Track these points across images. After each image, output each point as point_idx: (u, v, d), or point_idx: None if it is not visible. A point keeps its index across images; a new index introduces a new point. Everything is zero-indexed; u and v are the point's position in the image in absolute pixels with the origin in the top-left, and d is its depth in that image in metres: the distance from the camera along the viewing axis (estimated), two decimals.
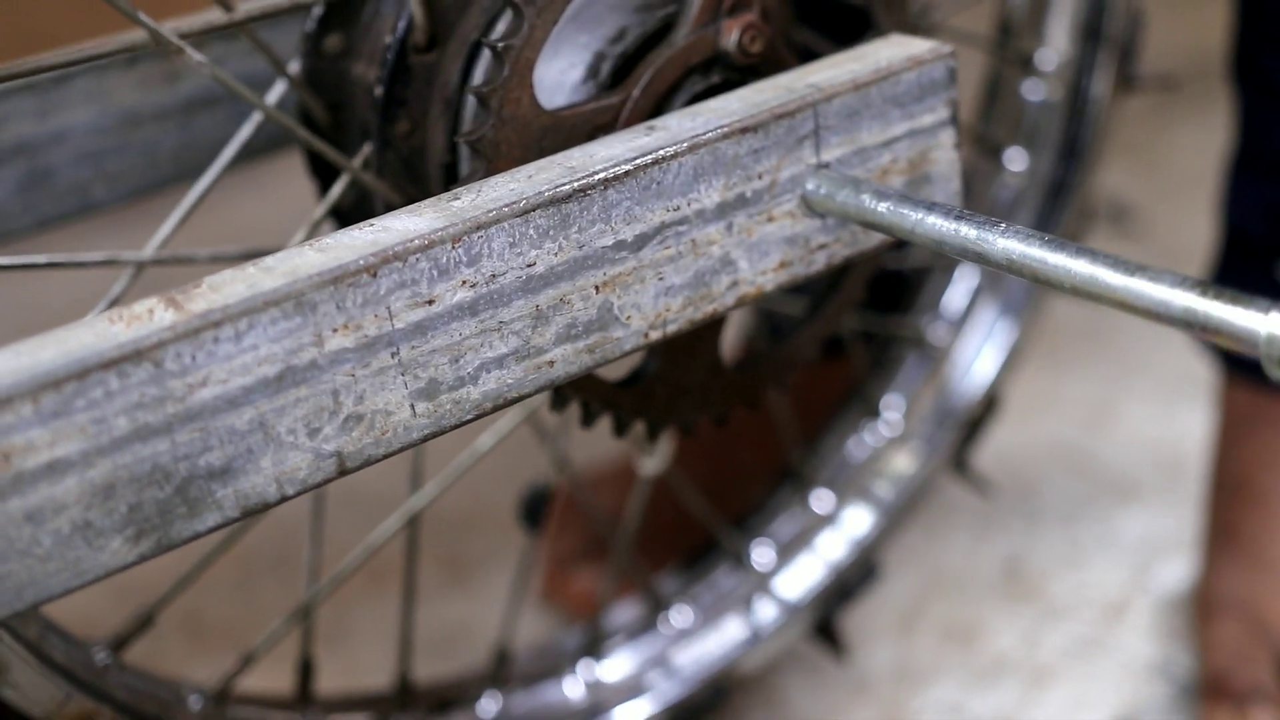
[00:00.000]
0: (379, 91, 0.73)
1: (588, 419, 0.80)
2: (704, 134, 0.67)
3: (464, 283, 0.63)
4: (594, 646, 0.98)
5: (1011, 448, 1.31)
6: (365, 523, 1.25)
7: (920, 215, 0.65)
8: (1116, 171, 1.74)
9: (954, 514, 1.26)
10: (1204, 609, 1.12)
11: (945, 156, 0.72)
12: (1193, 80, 1.73)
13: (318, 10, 0.76)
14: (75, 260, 0.72)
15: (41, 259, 0.71)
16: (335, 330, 0.60)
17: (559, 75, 0.74)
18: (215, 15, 0.72)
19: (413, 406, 0.63)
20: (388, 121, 0.74)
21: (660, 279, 0.67)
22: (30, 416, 0.55)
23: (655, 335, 0.68)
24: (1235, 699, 1.05)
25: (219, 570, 0.81)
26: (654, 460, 0.93)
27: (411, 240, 0.61)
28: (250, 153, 0.82)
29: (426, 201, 0.64)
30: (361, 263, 0.60)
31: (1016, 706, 1.10)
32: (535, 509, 0.96)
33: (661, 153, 0.66)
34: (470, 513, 1.28)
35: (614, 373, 0.72)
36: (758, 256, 0.70)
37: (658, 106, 0.74)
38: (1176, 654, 1.14)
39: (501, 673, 0.95)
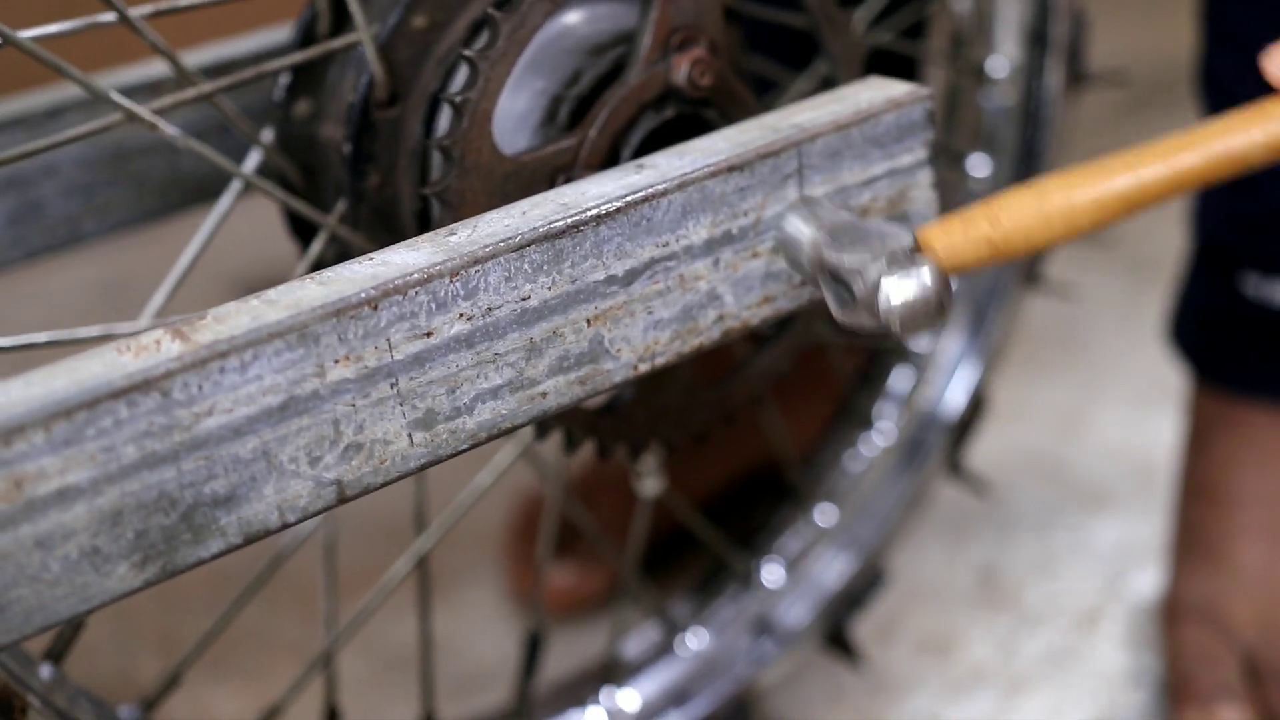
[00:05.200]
0: (347, 148, 0.75)
1: (570, 446, 0.83)
2: (692, 172, 0.68)
3: (461, 315, 0.64)
4: (613, 674, 1.00)
5: (985, 456, 1.32)
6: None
7: None
8: None
9: (928, 524, 1.27)
10: (1170, 613, 1.13)
11: (923, 195, 0.74)
12: (1166, 87, 1.74)
13: (285, 79, 0.78)
14: (73, 337, 0.73)
15: (42, 338, 0.72)
16: (337, 361, 0.62)
17: (518, 120, 0.76)
18: (186, 90, 0.74)
19: (410, 436, 0.64)
20: (358, 176, 0.76)
21: (649, 313, 0.69)
22: (42, 444, 0.56)
23: (644, 368, 0.70)
24: (1201, 700, 1.06)
25: (195, 589, 0.82)
26: (652, 481, 0.95)
27: (411, 274, 0.63)
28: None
29: (424, 236, 0.66)
30: (363, 295, 0.62)
31: (993, 716, 1.11)
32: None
33: (651, 190, 0.68)
34: None
35: (592, 400, 0.74)
36: (743, 291, 0.71)
37: (614, 144, 0.75)
38: (1151, 662, 1.15)
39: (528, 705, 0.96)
